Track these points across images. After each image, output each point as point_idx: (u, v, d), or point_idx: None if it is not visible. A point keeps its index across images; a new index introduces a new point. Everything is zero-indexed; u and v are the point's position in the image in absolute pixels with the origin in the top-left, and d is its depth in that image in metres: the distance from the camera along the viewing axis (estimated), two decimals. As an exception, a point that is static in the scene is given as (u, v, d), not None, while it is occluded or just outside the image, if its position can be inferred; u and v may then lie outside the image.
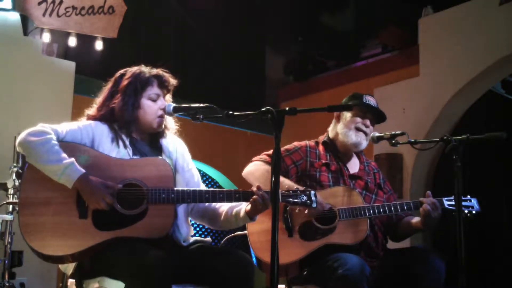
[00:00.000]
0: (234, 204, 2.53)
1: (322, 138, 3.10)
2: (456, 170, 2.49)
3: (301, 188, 2.53)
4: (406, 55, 6.15)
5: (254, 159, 2.98)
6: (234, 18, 7.10)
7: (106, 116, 2.48)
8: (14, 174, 3.88)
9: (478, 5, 5.46)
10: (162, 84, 2.55)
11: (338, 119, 3.06)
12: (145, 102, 2.50)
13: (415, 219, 2.91)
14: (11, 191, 3.91)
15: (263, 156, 2.96)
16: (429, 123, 5.66)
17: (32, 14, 5.07)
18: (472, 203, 2.84)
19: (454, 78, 5.54)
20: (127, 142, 2.46)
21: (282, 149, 2.96)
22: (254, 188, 2.37)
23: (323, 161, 2.96)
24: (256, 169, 2.91)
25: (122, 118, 2.45)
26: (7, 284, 3.91)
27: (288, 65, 7.71)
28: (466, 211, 2.79)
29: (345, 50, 7.07)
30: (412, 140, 2.78)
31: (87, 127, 2.43)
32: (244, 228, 2.88)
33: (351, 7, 7.21)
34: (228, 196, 2.39)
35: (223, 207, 2.56)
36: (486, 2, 5.38)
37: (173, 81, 2.59)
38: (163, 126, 2.56)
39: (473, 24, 5.45)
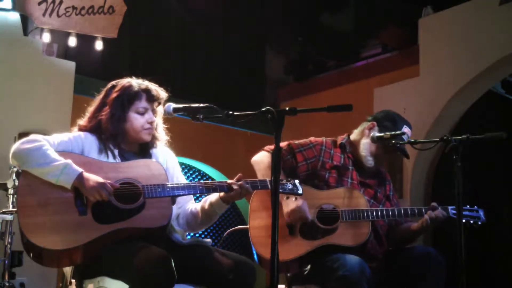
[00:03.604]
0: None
1: (340, 139, 3.03)
2: (456, 170, 2.49)
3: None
4: (406, 55, 6.14)
5: (265, 148, 2.95)
6: (234, 18, 7.10)
7: (95, 128, 2.52)
8: (14, 174, 3.88)
9: (478, 5, 5.45)
10: (151, 98, 2.56)
11: (369, 132, 2.95)
12: (132, 115, 2.52)
13: (414, 225, 2.91)
14: (11, 191, 3.92)
15: (273, 146, 2.92)
16: (429, 123, 5.65)
17: (32, 14, 5.07)
18: (479, 214, 2.86)
19: (454, 78, 5.54)
20: (116, 153, 2.49)
21: (296, 143, 2.95)
22: (236, 177, 2.44)
23: (335, 163, 2.92)
24: (262, 161, 2.91)
25: (108, 131, 2.49)
26: (7, 284, 3.91)
27: (288, 65, 7.70)
28: (471, 222, 2.82)
29: (345, 50, 7.06)
30: (412, 140, 2.78)
31: (77, 138, 2.47)
32: (245, 222, 2.90)
33: (351, 7, 7.21)
34: (221, 187, 2.43)
35: (197, 206, 2.60)
36: (486, 2, 5.38)
37: (163, 95, 2.60)
38: (151, 137, 2.58)
39: (473, 24, 5.45)
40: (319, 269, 2.66)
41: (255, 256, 2.79)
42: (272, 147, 2.90)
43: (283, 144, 2.94)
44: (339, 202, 2.79)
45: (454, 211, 2.79)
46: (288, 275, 2.89)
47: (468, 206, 2.86)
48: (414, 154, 5.67)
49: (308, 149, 2.93)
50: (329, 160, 2.93)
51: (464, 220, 2.76)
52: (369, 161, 2.94)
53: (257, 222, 2.80)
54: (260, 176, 2.83)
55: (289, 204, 2.73)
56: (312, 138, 3.00)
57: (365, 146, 2.94)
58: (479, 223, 2.83)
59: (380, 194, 2.98)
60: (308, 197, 2.76)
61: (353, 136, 3.04)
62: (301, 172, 2.89)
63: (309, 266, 2.74)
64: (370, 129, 2.96)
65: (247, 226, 2.86)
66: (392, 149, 2.93)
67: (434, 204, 2.82)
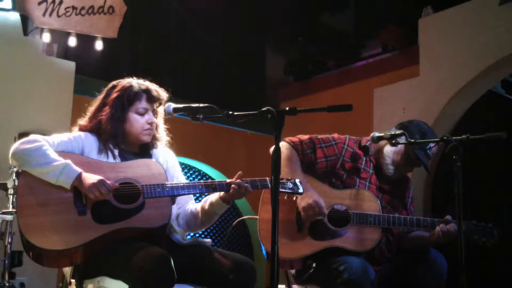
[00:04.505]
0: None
1: (365, 140, 2.96)
2: (456, 170, 2.49)
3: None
4: (406, 55, 6.14)
5: (285, 139, 2.86)
6: (234, 18, 7.10)
7: (95, 128, 2.52)
8: (14, 174, 3.89)
9: (478, 5, 5.45)
10: (151, 99, 2.56)
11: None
12: (132, 116, 2.52)
13: (424, 236, 2.86)
14: (11, 191, 3.92)
15: (295, 139, 2.87)
16: (429, 123, 5.60)
17: (32, 14, 5.08)
18: (493, 233, 2.80)
19: (454, 78, 5.54)
20: (116, 153, 2.50)
21: (319, 138, 2.89)
22: (236, 176, 2.44)
23: (355, 164, 2.87)
24: (281, 151, 2.83)
25: (108, 131, 2.49)
26: (7, 284, 3.91)
27: (288, 65, 7.70)
28: (484, 239, 2.78)
29: (345, 50, 7.06)
30: (412, 140, 2.78)
31: (77, 138, 2.47)
32: (245, 222, 2.88)
33: (351, 7, 7.21)
34: (221, 187, 2.43)
35: (197, 206, 2.60)
36: (486, 2, 5.38)
37: (163, 95, 2.59)
38: (151, 138, 2.58)
39: (473, 24, 5.45)
40: (324, 270, 2.65)
41: (264, 252, 2.77)
42: (293, 138, 2.86)
43: (305, 136, 2.89)
44: (352, 203, 2.75)
45: (470, 226, 2.74)
46: (292, 272, 2.88)
47: (483, 223, 2.79)
48: (414, 154, 5.66)
49: (329, 146, 2.87)
50: (349, 160, 2.88)
51: (475, 237, 2.75)
52: (390, 170, 2.90)
53: (267, 215, 2.71)
54: None
55: (304, 198, 2.66)
56: (335, 135, 2.93)
57: (389, 154, 2.90)
58: (491, 241, 2.78)
59: (398, 201, 2.94)
60: (321, 195, 2.73)
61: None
62: (320, 169, 2.84)
63: (314, 264, 2.72)
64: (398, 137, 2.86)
65: (256, 217, 2.82)
66: (413, 162, 2.90)
67: (448, 217, 2.77)
